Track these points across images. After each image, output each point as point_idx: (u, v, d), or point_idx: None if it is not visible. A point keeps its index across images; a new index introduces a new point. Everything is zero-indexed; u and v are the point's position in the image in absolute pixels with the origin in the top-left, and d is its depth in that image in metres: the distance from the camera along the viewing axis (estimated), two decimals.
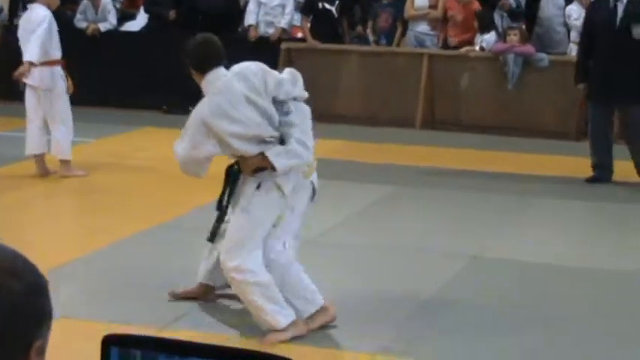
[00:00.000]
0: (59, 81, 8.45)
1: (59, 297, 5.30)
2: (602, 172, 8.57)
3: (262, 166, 4.72)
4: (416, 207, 7.72)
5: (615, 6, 8.26)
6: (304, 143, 4.78)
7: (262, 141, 4.74)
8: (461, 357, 4.80)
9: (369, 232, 6.69)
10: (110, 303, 5.36)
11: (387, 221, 7.13)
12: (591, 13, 8.73)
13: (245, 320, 5.06)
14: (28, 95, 8.47)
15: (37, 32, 8.26)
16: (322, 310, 4.92)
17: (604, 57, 8.31)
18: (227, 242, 4.80)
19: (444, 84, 11.69)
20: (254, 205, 4.75)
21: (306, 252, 5.76)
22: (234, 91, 4.76)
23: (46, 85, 8.37)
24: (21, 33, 8.55)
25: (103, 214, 7.26)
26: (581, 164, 9.68)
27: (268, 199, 4.76)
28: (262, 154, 4.70)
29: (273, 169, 4.70)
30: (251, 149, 4.74)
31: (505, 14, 11.76)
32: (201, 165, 4.89)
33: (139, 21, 13.53)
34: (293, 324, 4.81)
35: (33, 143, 8.45)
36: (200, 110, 4.80)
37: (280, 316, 4.78)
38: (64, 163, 8.51)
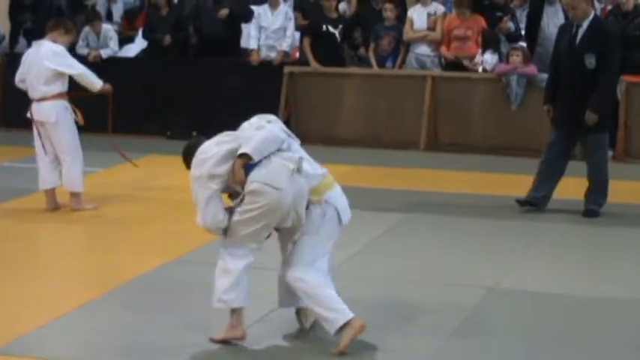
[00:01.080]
0: (64, 114, 8.44)
1: (75, 341, 5.32)
2: (538, 199, 8.45)
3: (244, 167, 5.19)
4: (426, 237, 7.71)
5: (576, 33, 8.19)
6: (260, 127, 5.46)
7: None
8: None
9: (382, 264, 6.67)
10: (130, 346, 5.33)
11: (399, 253, 7.13)
12: (558, 37, 8.62)
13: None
14: (36, 131, 8.46)
15: (73, 64, 8.44)
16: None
17: (564, 83, 8.27)
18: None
19: (447, 105, 11.71)
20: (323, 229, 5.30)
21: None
22: (205, 145, 5.38)
23: (51, 119, 8.36)
24: (27, 67, 8.52)
25: (115, 250, 7.24)
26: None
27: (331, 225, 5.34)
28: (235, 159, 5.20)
29: (250, 158, 5.16)
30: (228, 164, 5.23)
31: (504, 37, 11.82)
32: (212, 211, 5.22)
33: (137, 44, 13.55)
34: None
35: (45, 178, 8.45)
36: (190, 175, 5.30)
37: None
38: (75, 196, 8.50)
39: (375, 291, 6.18)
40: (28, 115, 8.50)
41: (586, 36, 8.11)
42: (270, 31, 12.36)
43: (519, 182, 9.80)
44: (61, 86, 8.46)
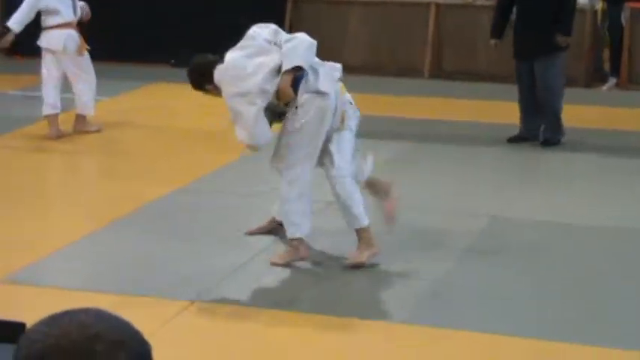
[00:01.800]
0: (70, 43, 8.50)
1: (86, 268, 5.41)
2: (527, 131, 8.40)
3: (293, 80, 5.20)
4: (430, 165, 7.77)
5: None
6: (291, 39, 5.31)
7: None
8: (496, 314, 4.89)
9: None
10: (138, 276, 5.42)
11: (404, 181, 7.16)
12: None
13: (269, 293, 5.16)
14: (45, 57, 8.54)
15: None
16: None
17: (521, 11, 8.27)
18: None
19: (451, 33, 11.67)
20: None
21: (326, 213, 5.85)
22: (235, 59, 5.31)
23: (57, 47, 8.45)
24: None
25: (124, 178, 7.30)
26: (591, 112, 9.75)
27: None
28: (282, 74, 5.19)
29: (300, 69, 5.19)
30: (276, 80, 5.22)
31: None
32: (261, 128, 5.23)
33: None
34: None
35: (50, 102, 8.53)
36: (226, 93, 5.27)
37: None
38: (81, 117, 8.70)
39: (380, 217, 6.25)
40: (39, 42, 8.58)
41: None
42: None
43: None
44: (65, 16, 8.51)
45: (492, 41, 8.58)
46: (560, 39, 8.13)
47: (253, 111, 5.18)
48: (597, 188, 7.18)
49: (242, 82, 5.18)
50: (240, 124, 5.25)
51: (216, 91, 5.39)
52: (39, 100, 8.66)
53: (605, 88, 11.24)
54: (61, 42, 8.45)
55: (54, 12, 8.45)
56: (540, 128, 8.33)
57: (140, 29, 12.49)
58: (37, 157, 8.04)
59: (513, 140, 8.34)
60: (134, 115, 9.51)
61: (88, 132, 8.68)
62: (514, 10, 8.45)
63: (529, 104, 8.35)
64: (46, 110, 8.53)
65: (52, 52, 8.51)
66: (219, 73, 5.28)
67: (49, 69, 8.55)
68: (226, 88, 5.24)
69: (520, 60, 8.37)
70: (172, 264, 5.52)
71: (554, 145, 8.22)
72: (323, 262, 5.52)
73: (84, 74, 8.61)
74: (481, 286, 5.29)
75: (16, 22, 8.43)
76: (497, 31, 8.55)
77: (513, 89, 10.74)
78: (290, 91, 5.21)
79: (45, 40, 8.52)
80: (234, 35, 13.48)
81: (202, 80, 5.40)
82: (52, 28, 8.48)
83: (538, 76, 8.22)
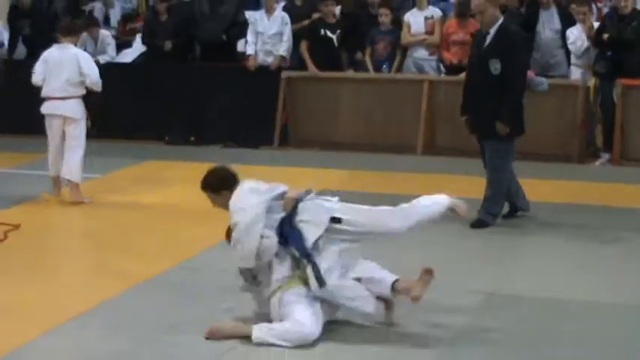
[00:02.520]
0: (84, 112, 9.27)
1: (73, 349, 5.33)
2: (514, 203, 8.35)
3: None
4: (424, 240, 7.72)
5: (484, 39, 8.03)
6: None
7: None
8: None
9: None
10: (133, 353, 5.35)
11: (400, 257, 7.12)
12: (472, 45, 8.59)
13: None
14: (55, 123, 9.17)
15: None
16: None
17: (472, 91, 8.18)
18: None
19: (444, 109, 11.72)
20: None
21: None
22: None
23: (78, 115, 9.20)
24: (52, 68, 9.20)
25: (114, 256, 7.25)
26: (585, 188, 9.76)
27: None
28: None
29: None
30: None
31: None
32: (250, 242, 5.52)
33: (135, 49, 13.56)
34: None
35: (56, 165, 9.24)
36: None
37: None
38: (75, 188, 9.14)
39: None
40: (44, 110, 9.19)
41: (493, 41, 7.95)
42: (266, 37, 12.38)
43: None
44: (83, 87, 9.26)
45: (463, 118, 8.42)
46: (500, 128, 7.93)
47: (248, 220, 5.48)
48: (591, 264, 7.14)
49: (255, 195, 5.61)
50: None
51: (225, 200, 5.66)
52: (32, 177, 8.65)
53: (597, 163, 11.28)
54: (80, 110, 9.31)
55: None
56: (525, 198, 8.35)
57: (132, 107, 12.54)
58: (31, 231, 8.00)
59: (508, 216, 8.34)
60: (127, 193, 9.50)
61: (82, 202, 9.05)
62: None
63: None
64: (54, 171, 9.24)
65: (64, 118, 9.20)
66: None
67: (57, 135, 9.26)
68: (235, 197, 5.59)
69: (477, 139, 8.39)
70: (170, 341, 5.45)
71: (484, 228, 8.01)
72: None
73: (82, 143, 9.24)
74: None
75: None
76: (467, 106, 8.38)
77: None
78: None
79: (61, 108, 9.19)
80: (228, 113, 13.65)
81: (221, 184, 5.73)
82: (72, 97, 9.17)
83: (486, 155, 8.22)
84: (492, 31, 7.96)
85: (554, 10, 11.61)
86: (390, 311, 5.78)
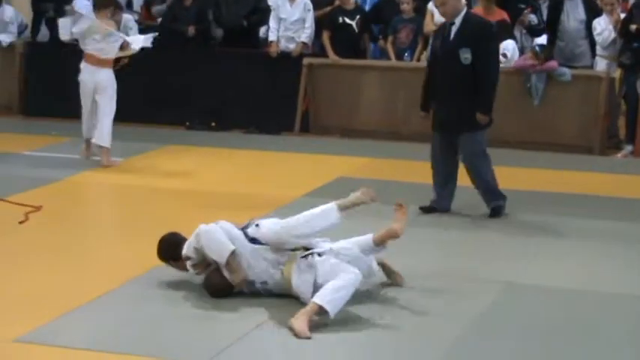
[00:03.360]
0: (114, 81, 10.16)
1: (98, 329, 5.35)
2: (438, 201, 8.15)
3: None
4: (447, 230, 7.72)
5: (449, 30, 7.83)
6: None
7: None
8: None
9: (406, 256, 6.67)
10: (149, 338, 5.37)
11: (420, 246, 7.13)
12: (433, 39, 8.33)
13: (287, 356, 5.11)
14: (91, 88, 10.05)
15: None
16: None
17: (440, 85, 7.92)
18: None
19: None
20: None
21: None
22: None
23: (112, 83, 10.08)
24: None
25: (133, 240, 7.28)
26: (606, 180, 9.73)
27: None
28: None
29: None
30: None
31: (524, 31, 11.78)
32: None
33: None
34: None
35: (90, 130, 10.07)
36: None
37: None
38: (106, 152, 9.99)
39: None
40: (82, 76, 10.05)
41: (460, 31, 7.77)
42: (288, 23, 12.38)
43: (537, 176, 9.84)
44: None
45: (422, 114, 8.26)
46: (481, 117, 7.80)
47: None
48: (612, 255, 7.12)
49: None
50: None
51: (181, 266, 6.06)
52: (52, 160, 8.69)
53: (619, 155, 11.23)
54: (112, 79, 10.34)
55: None
56: (451, 200, 8.13)
57: (153, 91, 12.56)
58: (52, 213, 8.04)
59: (426, 210, 8.10)
60: (148, 177, 9.53)
61: (113, 165, 9.94)
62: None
63: (441, 177, 8.14)
64: (88, 134, 10.13)
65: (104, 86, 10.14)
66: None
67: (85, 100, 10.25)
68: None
69: (438, 133, 8.08)
70: (185, 326, 5.47)
71: (502, 215, 8.01)
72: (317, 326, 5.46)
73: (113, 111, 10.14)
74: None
75: None
76: (426, 106, 8.19)
77: (526, 155, 10.81)
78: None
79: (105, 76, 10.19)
80: (249, 99, 13.67)
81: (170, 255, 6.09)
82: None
83: (462, 151, 7.98)
84: (457, 21, 7.79)
85: (578, 0, 11.55)
86: (393, 274, 6.06)
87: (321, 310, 5.39)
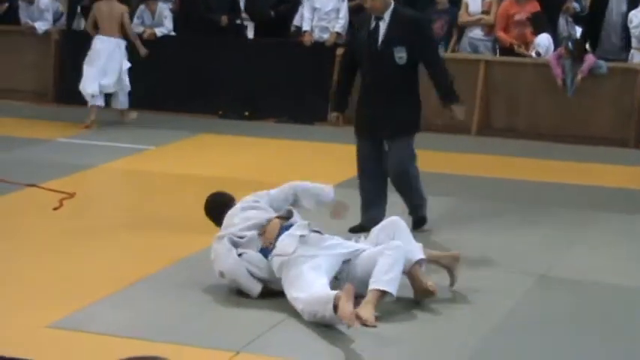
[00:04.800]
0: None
1: (132, 317, 5.38)
2: (368, 220, 6.97)
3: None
4: (479, 221, 7.69)
5: (377, 26, 6.95)
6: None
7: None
8: None
9: (437, 248, 6.66)
10: (183, 325, 5.39)
11: (453, 237, 7.12)
12: (354, 34, 7.48)
13: (311, 346, 5.11)
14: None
15: None
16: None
17: (366, 85, 7.09)
18: None
19: (500, 90, 11.65)
20: None
21: None
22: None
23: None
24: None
25: (166, 229, 7.30)
26: None
27: None
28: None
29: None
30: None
31: (570, 19, 11.67)
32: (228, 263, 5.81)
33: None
34: None
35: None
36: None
37: None
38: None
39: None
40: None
41: (392, 28, 6.91)
42: (322, 13, 12.36)
43: (571, 169, 9.78)
44: None
45: (335, 114, 7.41)
46: (457, 109, 7.17)
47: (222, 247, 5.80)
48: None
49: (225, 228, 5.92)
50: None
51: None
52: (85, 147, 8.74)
53: None
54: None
55: None
56: (383, 216, 6.74)
57: (186, 80, 12.59)
58: (86, 200, 8.09)
59: (355, 230, 6.84)
60: (180, 164, 9.56)
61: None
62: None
63: (373, 191, 7.16)
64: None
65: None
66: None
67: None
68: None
69: (366, 140, 7.16)
70: (217, 314, 5.49)
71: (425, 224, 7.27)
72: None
73: None
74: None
75: None
76: (341, 105, 7.40)
77: (563, 148, 10.74)
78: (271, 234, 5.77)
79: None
80: (283, 89, 13.64)
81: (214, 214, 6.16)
82: None
83: (392, 156, 7.09)
84: (387, 17, 6.95)
85: None
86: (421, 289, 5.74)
87: (383, 294, 5.37)
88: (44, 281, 6.04)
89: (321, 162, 9.91)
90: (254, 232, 5.81)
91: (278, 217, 5.87)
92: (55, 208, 7.75)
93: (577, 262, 6.68)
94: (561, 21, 11.70)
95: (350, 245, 5.76)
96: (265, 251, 5.76)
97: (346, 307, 5.02)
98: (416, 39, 6.94)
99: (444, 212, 7.79)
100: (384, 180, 7.19)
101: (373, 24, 6.99)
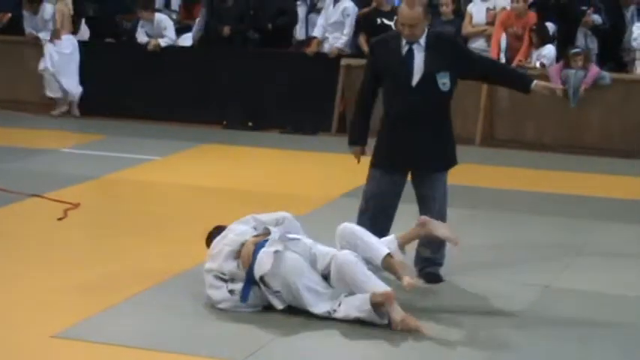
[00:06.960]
0: None
1: (139, 325, 5.38)
2: None
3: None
4: (483, 232, 7.69)
5: (410, 52, 6.21)
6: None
7: None
8: None
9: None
10: (189, 334, 5.39)
11: (455, 248, 7.09)
12: (377, 58, 6.42)
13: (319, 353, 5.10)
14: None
15: None
16: None
17: (396, 116, 6.31)
18: None
19: (503, 101, 11.65)
20: None
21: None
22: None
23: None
24: None
25: (173, 239, 7.31)
26: None
27: None
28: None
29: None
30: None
31: (589, 32, 11.55)
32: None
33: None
34: None
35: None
36: None
37: None
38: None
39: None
40: None
41: (431, 53, 6.21)
42: (327, 24, 12.39)
43: (577, 179, 9.76)
44: None
45: (358, 148, 6.59)
46: (542, 85, 6.40)
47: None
48: None
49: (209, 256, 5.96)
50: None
51: None
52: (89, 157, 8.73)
53: None
54: None
55: None
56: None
57: (191, 90, 12.60)
58: (90, 210, 8.09)
59: None
60: (185, 174, 9.56)
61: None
62: None
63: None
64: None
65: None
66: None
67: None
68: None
69: (391, 175, 6.40)
70: (222, 325, 5.49)
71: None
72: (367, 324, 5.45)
73: None
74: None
75: None
76: (364, 138, 6.58)
77: (566, 158, 10.73)
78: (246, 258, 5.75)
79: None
80: (286, 99, 13.64)
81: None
82: None
83: (431, 191, 6.40)
84: (422, 41, 6.24)
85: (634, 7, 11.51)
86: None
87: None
88: (49, 291, 6.04)
89: (324, 172, 9.90)
90: (233, 264, 5.77)
91: (254, 237, 5.84)
92: (59, 219, 7.75)
93: (582, 273, 6.67)
94: (579, 35, 11.60)
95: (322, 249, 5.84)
96: (250, 273, 5.73)
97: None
98: (458, 59, 6.28)
99: (448, 222, 7.76)
100: (391, 220, 6.45)
101: (405, 48, 6.24)
